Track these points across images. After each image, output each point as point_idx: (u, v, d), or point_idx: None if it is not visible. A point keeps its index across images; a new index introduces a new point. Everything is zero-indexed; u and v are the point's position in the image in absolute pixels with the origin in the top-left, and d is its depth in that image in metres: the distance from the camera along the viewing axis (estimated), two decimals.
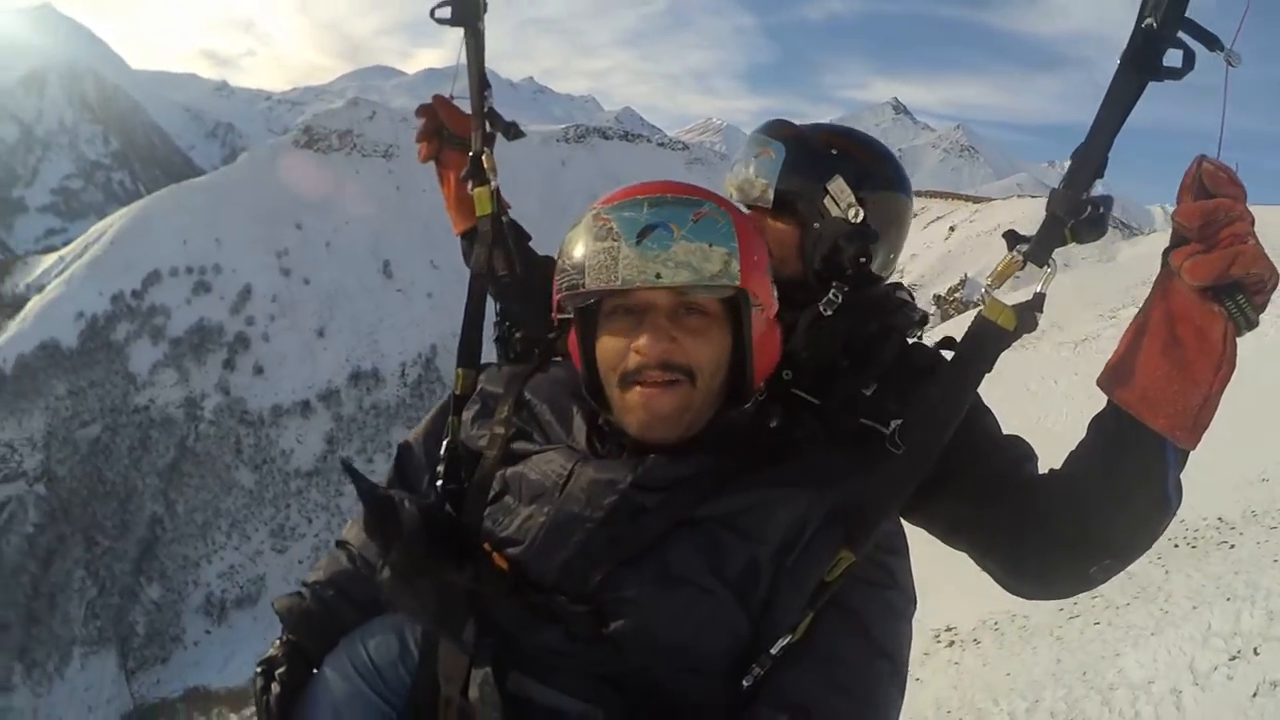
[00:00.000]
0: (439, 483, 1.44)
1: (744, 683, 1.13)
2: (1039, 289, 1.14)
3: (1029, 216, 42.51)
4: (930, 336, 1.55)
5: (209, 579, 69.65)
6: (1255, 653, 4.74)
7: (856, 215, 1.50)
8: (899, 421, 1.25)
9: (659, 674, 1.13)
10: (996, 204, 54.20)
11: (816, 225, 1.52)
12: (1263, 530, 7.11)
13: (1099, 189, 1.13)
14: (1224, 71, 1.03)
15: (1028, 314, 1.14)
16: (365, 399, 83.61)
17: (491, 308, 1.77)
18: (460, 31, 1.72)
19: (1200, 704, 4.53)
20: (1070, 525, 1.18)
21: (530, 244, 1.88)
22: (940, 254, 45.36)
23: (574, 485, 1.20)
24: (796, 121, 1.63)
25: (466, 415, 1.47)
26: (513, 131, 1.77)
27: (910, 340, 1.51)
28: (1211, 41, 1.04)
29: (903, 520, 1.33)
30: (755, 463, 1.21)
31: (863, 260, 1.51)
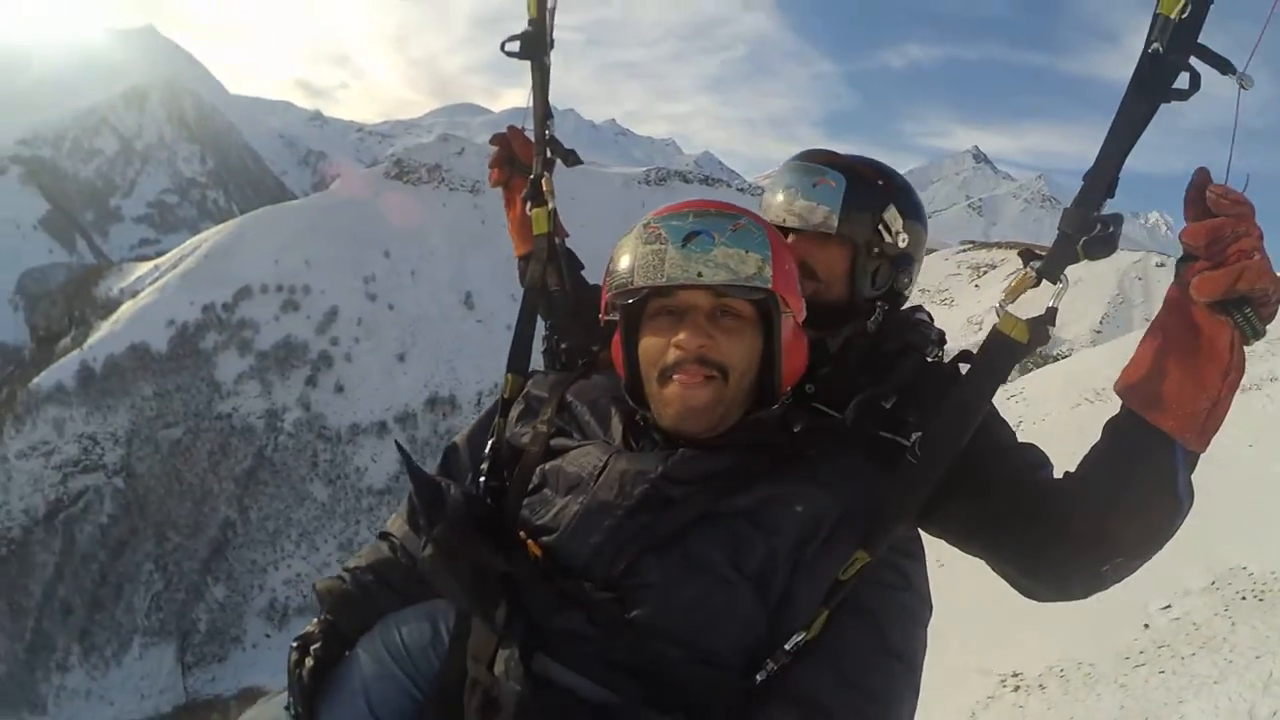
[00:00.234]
0: (482, 479, 1.49)
1: (757, 678, 1.16)
2: (1051, 303, 1.17)
3: (1112, 268, 41.45)
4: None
5: (274, 585, 69.93)
6: None
7: (904, 242, 1.60)
8: (919, 434, 1.26)
9: (674, 663, 1.15)
10: None
11: (876, 250, 1.59)
12: None
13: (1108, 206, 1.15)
14: (1235, 92, 1.03)
15: (1040, 327, 1.18)
16: (440, 424, 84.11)
17: (541, 324, 1.82)
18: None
19: None
20: (1085, 524, 1.20)
21: (583, 273, 1.93)
22: (1022, 308, 43.85)
23: (608, 475, 1.27)
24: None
25: (512, 416, 1.54)
26: (571, 159, 1.84)
27: (929, 359, 1.56)
28: (1224, 66, 1.05)
29: (924, 533, 1.36)
30: (779, 463, 1.27)
31: (906, 283, 1.65)
